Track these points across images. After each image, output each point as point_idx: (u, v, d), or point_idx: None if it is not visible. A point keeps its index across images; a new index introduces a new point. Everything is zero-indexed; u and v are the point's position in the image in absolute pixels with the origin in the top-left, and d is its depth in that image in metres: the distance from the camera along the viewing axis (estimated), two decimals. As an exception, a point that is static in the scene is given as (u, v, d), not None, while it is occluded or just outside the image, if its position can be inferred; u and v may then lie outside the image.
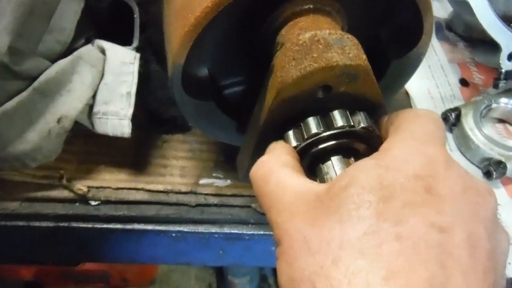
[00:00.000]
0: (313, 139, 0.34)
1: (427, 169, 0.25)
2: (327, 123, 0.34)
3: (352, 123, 0.34)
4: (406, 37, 0.44)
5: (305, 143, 0.34)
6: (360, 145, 0.35)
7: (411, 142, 0.28)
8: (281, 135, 0.37)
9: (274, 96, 0.35)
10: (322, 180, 0.34)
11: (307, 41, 0.34)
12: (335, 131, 0.34)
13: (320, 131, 0.34)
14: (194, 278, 1.53)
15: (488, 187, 0.28)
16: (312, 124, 0.34)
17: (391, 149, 0.28)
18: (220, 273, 1.48)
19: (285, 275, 0.25)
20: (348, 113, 0.35)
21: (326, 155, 0.34)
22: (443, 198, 0.24)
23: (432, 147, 0.27)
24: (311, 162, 0.35)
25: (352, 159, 0.35)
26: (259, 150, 0.41)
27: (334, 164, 0.34)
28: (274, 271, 1.47)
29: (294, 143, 0.35)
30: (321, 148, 0.34)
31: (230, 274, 1.42)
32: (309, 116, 0.35)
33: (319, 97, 0.35)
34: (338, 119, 0.34)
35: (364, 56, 0.34)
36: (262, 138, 0.39)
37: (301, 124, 0.35)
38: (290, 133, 0.35)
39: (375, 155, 0.28)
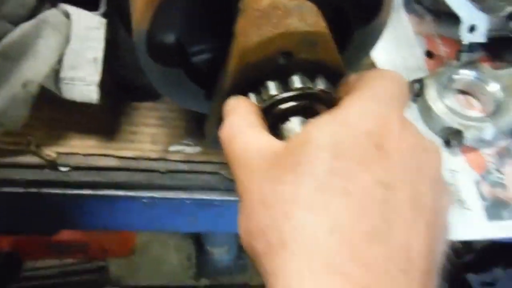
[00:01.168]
0: (272, 100, 0.35)
1: (380, 127, 0.26)
2: (286, 86, 0.36)
3: (309, 86, 0.35)
4: (368, 7, 0.45)
5: (264, 105, 0.35)
6: (321, 107, 0.37)
7: (369, 101, 0.29)
8: None
9: (237, 62, 0.36)
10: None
11: (267, 7, 0.35)
12: (292, 93, 0.35)
13: (278, 93, 0.35)
14: (173, 249, 1.56)
15: (435, 146, 0.29)
16: (272, 86, 0.35)
17: (349, 106, 0.29)
18: (199, 244, 1.51)
19: (243, 228, 0.27)
20: (307, 77, 0.36)
21: (286, 116, 0.36)
22: (391, 156, 0.25)
23: (389, 107, 0.28)
24: (273, 124, 0.37)
25: (312, 120, 0.36)
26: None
27: (294, 125, 0.36)
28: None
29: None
30: (281, 109, 0.35)
31: (208, 244, 1.45)
32: (269, 80, 0.36)
33: (281, 63, 0.36)
34: (297, 81, 0.35)
35: (323, 23, 0.35)
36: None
37: (261, 87, 0.36)
38: (251, 95, 0.37)
39: (332, 110, 0.29)
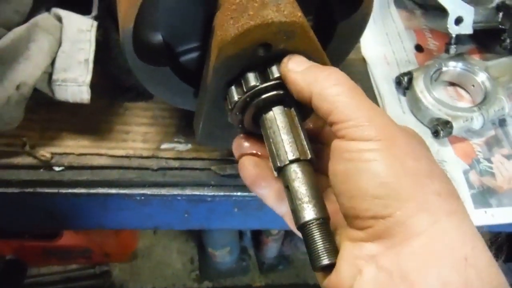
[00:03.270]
0: (252, 91, 0.36)
1: None
2: (266, 76, 0.36)
3: None
4: (350, -1, 0.46)
5: (245, 96, 0.36)
6: None
7: None
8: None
9: (216, 55, 0.36)
10: (266, 132, 0.37)
11: (243, 0, 0.36)
12: (272, 82, 0.36)
13: (258, 84, 0.36)
14: (176, 252, 1.57)
15: None
16: (251, 77, 0.36)
17: None
18: (201, 247, 1.52)
19: None
20: None
21: (267, 105, 0.37)
22: None
23: None
24: (255, 113, 0.38)
25: (293, 109, 0.37)
26: (210, 111, 0.43)
27: (275, 115, 0.36)
28: (254, 243, 1.52)
29: (236, 97, 0.37)
30: (262, 99, 0.36)
31: (210, 247, 1.46)
32: (249, 72, 0.37)
33: (261, 55, 0.37)
34: (275, 71, 0.36)
35: (300, 13, 0.36)
36: (211, 98, 0.41)
37: (242, 79, 0.37)
38: (233, 88, 0.37)
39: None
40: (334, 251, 0.31)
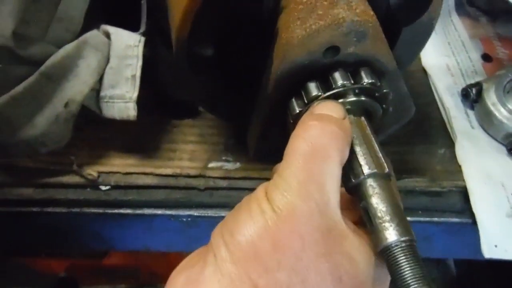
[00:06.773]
0: (313, 102, 0.33)
1: None
2: (328, 85, 0.33)
3: (352, 81, 0.32)
4: (416, 2, 0.42)
5: (306, 107, 0.33)
6: (371, 103, 0.34)
7: None
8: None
9: (281, 60, 0.33)
10: None
11: None
12: (335, 91, 0.32)
13: (319, 93, 0.32)
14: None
15: None
16: (312, 87, 0.33)
17: None
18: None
19: None
20: (349, 73, 0.33)
21: None
22: None
23: None
24: None
25: (363, 118, 0.33)
26: (268, 125, 0.40)
27: None
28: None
29: (297, 109, 0.34)
30: None
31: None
32: (310, 82, 0.34)
33: (326, 61, 0.33)
34: (338, 78, 0.32)
35: (372, 12, 0.32)
36: (269, 111, 0.38)
37: (301, 90, 0.34)
38: (293, 100, 0.34)
39: None
40: (424, 277, 0.26)
